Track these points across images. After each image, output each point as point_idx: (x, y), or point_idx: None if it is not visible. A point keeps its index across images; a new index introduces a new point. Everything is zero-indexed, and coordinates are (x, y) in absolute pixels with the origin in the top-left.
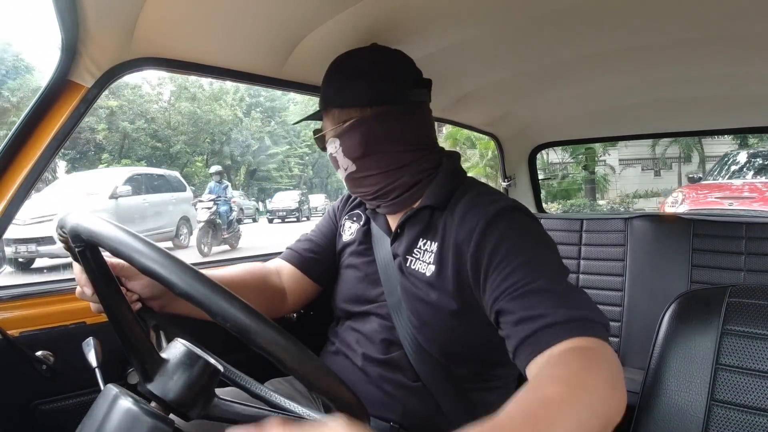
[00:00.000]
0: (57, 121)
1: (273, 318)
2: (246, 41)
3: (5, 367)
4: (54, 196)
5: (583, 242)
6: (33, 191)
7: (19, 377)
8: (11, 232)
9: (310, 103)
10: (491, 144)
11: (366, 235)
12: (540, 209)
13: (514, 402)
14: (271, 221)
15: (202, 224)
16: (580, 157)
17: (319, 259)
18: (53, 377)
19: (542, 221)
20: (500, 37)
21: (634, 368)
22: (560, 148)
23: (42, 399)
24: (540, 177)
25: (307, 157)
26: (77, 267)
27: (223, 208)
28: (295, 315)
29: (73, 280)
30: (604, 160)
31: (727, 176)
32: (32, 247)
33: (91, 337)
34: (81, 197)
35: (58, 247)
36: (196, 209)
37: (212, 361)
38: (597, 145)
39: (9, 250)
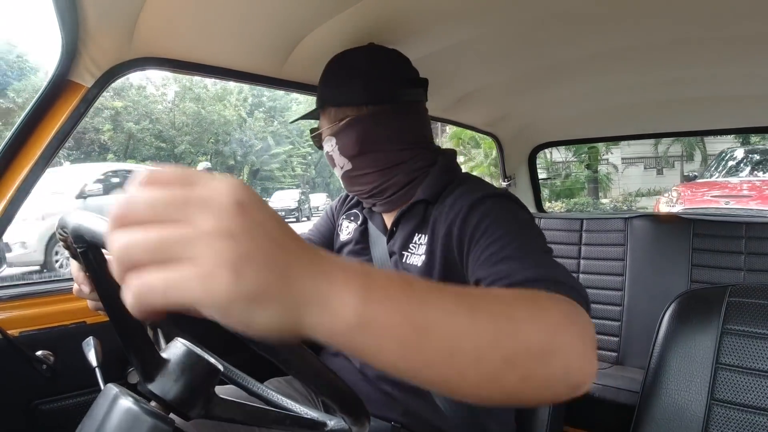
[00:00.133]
0: (57, 121)
1: None
2: (246, 41)
3: (5, 367)
4: None
5: (583, 242)
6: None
7: (19, 377)
8: None
9: (313, 103)
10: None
11: (363, 234)
12: (540, 209)
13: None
14: None
15: None
16: (583, 156)
17: None
18: (53, 377)
19: (542, 221)
20: (500, 37)
21: (634, 368)
22: (563, 147)
23: (42, 399)
24: (543, 176)
25: (309, 157)
26: (75, 265)
27: None
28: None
29: (71, 280)
30: (607, 159)
31: (723, 172)
32: None
33: (91, 337)
34: (45, 197)
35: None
36: None
37: (212, 360)
38: (600, 144)
39: None
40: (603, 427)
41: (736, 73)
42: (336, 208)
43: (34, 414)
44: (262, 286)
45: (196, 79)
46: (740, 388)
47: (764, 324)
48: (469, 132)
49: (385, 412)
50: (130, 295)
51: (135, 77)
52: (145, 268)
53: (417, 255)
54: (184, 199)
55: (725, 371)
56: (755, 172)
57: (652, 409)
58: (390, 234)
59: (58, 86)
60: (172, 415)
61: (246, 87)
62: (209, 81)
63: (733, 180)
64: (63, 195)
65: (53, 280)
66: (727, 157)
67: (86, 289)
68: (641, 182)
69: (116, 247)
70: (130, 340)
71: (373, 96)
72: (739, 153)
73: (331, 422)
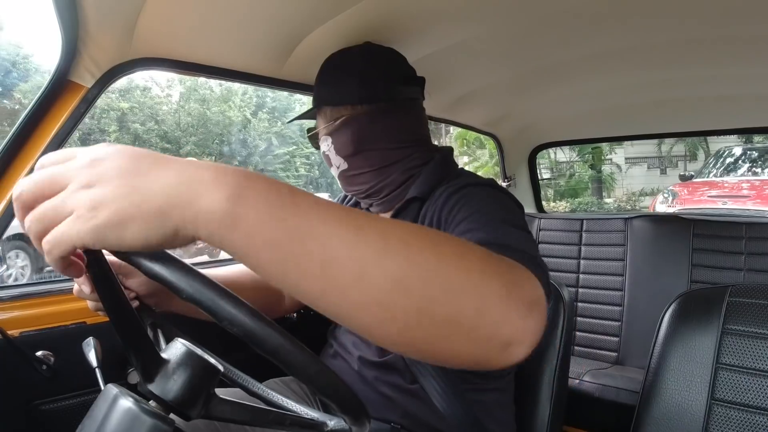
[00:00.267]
0: (57, 121)
1: (272, 318)
2: (246, 41)
3: (5, 367)
4: None
5: (584, 242)
6: None
7: (19, 377)
8: None
9: None
10: None
11: None
12: (540, 209)
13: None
14: None
15: None
16: (587, 156)
17: None
18: (53, 377)
19: (542, 221)
20: (500, 37)
21: (634, 368)
22: (568, 147)
23: (42, 399)
24: (548, 176)
25: (313, 157)
26: None
27: None
28: (295, 315)
29: (72, 280)
30: (611, 159)
31: (721, 169)
32: None
33: (91, 337)
34: None
35: None
36: None
37: (212, 360)
38: (604, 144)
39: None
40: (603, 427)
41: (736, 74)
42: None
43: (34, 414)
44: (117, 212)
45: (201, 80)
46: (740, 387)
47: (764, 324)
48: (473, 133)
49: (384, 414)
50: (45, 256)
51: (140, 79)
52: (48, 232)
53: None
54: (60, 171)
55: (725, 371)
56: (753, 169)
57: (652, 409)
58: None
59: (58, 86)
60: (172, 415)
61: (251, 88)
62: (214, 82)
63: (731, 179)
64: None
65: (53, 280)
66: (725, 154)
67: (86, 289)
68: (645, 182)
69: (26, 226)
70: (130, 340)
71: (369, 95)
72: (737, 151)
73: (332, 422)
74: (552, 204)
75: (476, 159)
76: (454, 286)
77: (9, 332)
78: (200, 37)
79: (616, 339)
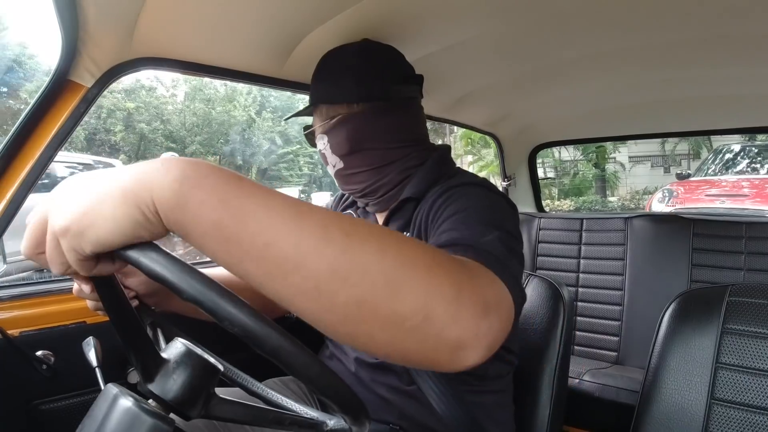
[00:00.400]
0: (57, 120)
1: (272, 318)
2: (246, 41)
3: (5, 367)
4: None
5: (584, 241)
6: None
7: (19, 377)
8: None
9: None
10: None
11: None
12: (540, 209)
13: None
14: None
15: None
16: (591, 155)
17: None
18: (53, 377)
19: (542, 221)
20: (500, 37)
21: (634, 367)
22: (572, 146)
23: (42, 399)
24: (552, 175)
25: (316, 156)
26: None
27: None
28: (294, 315)
29: (72, 280)
30: (614, 157)
31: (720, 165)
32: None
33: (91, 337)
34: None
35: None
36: None
37: (212, 360)
38: (608, 143)
39: None
40: (603, 426)
41: (737, 73)
42: (331, 208)
43: (34, 414)
44: (84, 217)
45: (206, 80)
46: (740, 387)
47: (764, 324)
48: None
49: (381, 415)
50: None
51: (145, 79)
52: (67, 266)
53: None
54: (38, 224)
55: (725, 371)
56: (752, 165)
57: (652, 409)
58: None
59: (58, 86)
60: (172, 415)
61: (255, 87)
62: (219, 82)
63: (730, 177)
64: None
65: (53, 280)
66: (724, 151)
67: (86, 288)
68: (648, 180)
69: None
70: (130, 340)
71: (366, 93)
72: (736, 148)
73: (331, 422)
74: (557, 202)
75: (481, 158)
76: (395, 281)
77: (9, 332)
78: (200, 37)
79: (616, 338)
